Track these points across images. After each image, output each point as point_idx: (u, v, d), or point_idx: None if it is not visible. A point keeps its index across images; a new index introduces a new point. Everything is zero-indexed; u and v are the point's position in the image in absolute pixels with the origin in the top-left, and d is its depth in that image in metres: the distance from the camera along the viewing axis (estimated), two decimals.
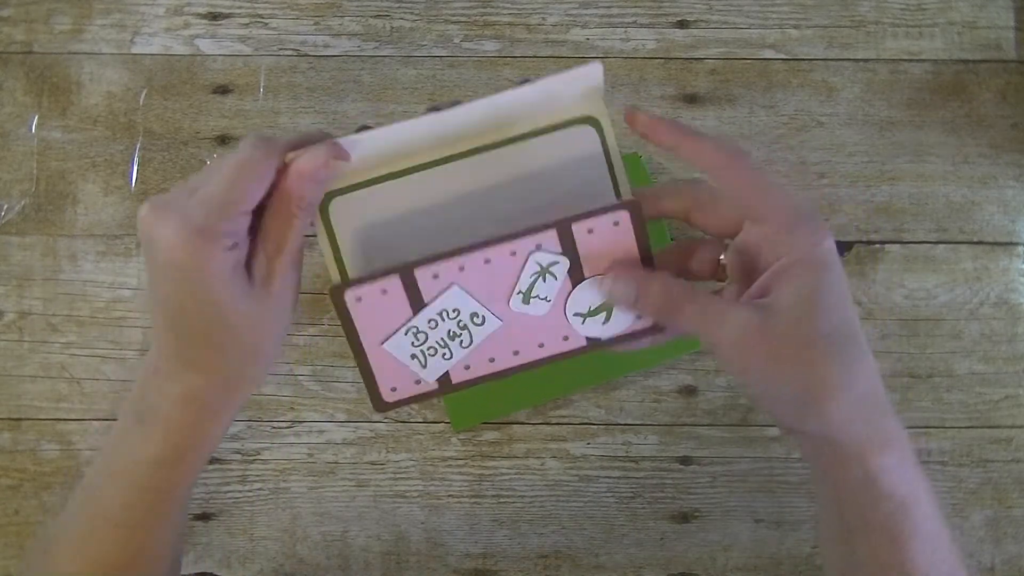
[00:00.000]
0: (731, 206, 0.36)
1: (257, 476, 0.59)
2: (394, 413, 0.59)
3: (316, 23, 0.62)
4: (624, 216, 0.42)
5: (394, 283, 0.41)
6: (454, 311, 0.43)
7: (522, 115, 0.39)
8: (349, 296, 0.40)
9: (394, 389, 0.45)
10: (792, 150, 0.61)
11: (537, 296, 0.45)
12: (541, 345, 0.45)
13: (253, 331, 0.35)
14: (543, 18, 0.62)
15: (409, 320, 0.42)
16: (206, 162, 0.61)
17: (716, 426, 0.59)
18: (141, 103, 0.61)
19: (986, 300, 0.60)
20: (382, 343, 0.43)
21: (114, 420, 0.59)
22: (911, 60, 0.62)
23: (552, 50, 0.62)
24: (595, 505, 0.59)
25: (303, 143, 0.35)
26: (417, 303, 0.42)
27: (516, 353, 0.45)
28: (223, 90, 0.61)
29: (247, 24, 0.62)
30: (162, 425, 0.36)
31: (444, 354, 0.44)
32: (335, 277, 0.39)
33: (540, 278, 0.44)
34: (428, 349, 0.43)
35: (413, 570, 0.59)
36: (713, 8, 0.62)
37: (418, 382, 0.44)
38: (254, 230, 0.35)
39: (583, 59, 0.61)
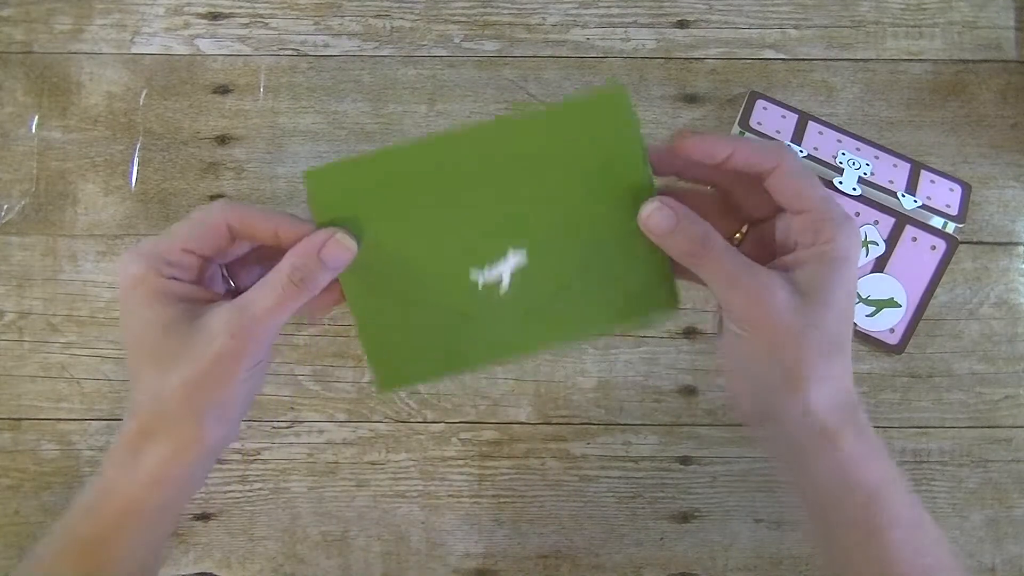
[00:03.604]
0: (780, 196, 0.36)
1: (257, 476, 0.59)
2: (394, 413, 0.59)
3: (316, 23, 0.62)
4: (942, 246, 0.57)
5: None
6: None
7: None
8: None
9: None
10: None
11: None
12: None
13: (182, 370, 0.34)
14: (543, 18, 0.62)
15: None
16: (208, 162, 0.61)
17: (716, 426, 0.59)
18: (141, 103, 0.61)
19: (986, 300, 0.60)
20: None
21: (114, 420, 0.59)
22: (911, 60, 0.62)
23: (552, 50, 0.62)
24: (595, 505, 0.59)
25: (272, 220, 0.35)
26: None
27: None
28: (223, 90, 0.61)
29: (247, 24, 0.62)
30: (99, 472, 0.36)
31: None
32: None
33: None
34: None
35: (413, 570, 0.59)
36: (713, 8, 0.62)
37: None
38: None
39: (583, 59, 0.61)
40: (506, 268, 0.39)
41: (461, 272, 0.39)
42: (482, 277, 0.39)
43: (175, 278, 0.35)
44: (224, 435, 0.36)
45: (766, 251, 0.37)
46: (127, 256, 0.34)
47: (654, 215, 0.35)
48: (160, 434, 0.35)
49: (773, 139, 0.58)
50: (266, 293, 0.34)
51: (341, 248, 0.35)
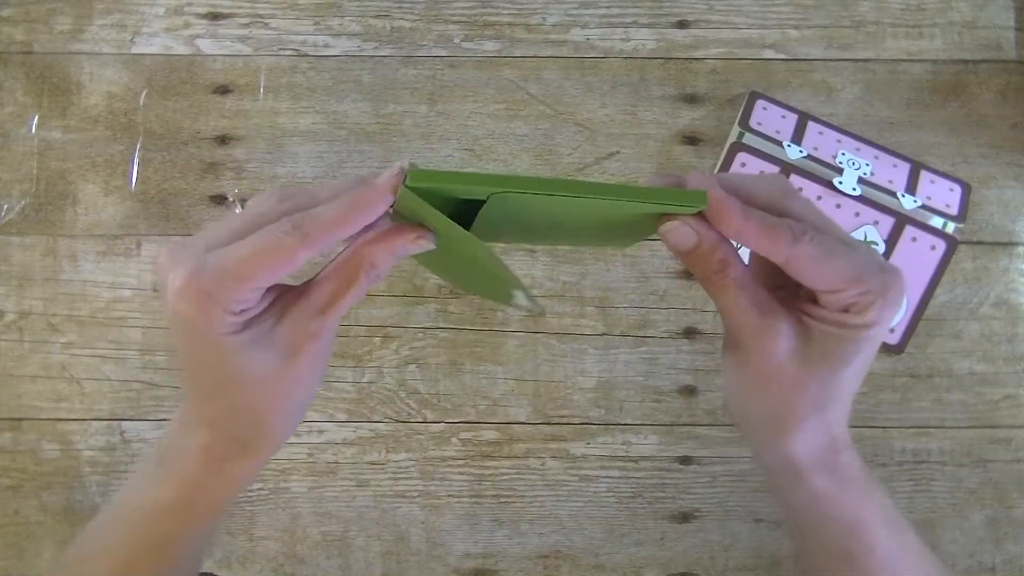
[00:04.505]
0: (801, 280, 0.33)
1: (257, 476, 0.59)
2: (394, 413, 0.59)
3: (316, 23, 0.62)
4: (941, 246, 0.58)
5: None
6: None
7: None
8: (741, 155, 0.58)
9: None
10: None
11: None
12: None
13: (262, 396, 0.34)
14: (543, 18, 0.62)
15: None
16: (208, 163, 0.61)
17: (716, 426, 0.59)
18: (141, 103, 0.61)
19: (986, 300, 0.60)
20: None
21: (114, 420, 0.59)
22: (911, 60, 0.62)
23: (552, 50, 0.62)
24: (595, 505, 0.59)
25: (345, 220, 0.31)
26: None
27: None
28: (223, 90, 0.61)
29: (247, 24, 0.62)
30: (175, 472, 0.36)
31: None
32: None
33: None
34: None
35: (413, 570, 0.59)
36: (713, 8, 0.62)
37: None
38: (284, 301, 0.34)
39: (583, 59, 0.62)
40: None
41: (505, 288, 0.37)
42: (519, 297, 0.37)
43: (244, 309, 0.32)
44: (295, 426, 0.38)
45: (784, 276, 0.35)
46: (183, 280, 0.30)
47: (673, 232, 0.33)
48: (253, 442, 0.36)
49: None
50: (335, 291, 0.33)
51: (419, 247, 0.33)
